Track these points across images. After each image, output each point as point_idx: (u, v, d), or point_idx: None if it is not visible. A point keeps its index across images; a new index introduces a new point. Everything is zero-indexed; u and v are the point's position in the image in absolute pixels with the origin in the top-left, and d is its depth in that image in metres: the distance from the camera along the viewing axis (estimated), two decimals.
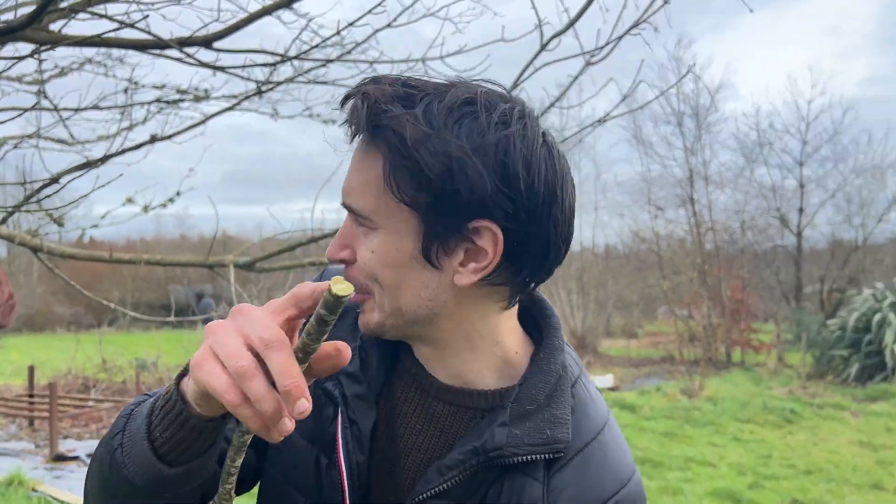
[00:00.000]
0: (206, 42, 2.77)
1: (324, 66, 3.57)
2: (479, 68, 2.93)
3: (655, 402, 10.52)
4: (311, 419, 0.80)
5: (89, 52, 4.74)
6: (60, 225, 3.70)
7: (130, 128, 3.97)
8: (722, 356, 17.14)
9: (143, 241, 25.58)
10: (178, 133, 3.54)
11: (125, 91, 4.40)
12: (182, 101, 4.25)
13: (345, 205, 0.75)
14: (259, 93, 3.70)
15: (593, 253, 21.22)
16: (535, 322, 0.83)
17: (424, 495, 0.74)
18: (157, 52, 3.02)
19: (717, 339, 16.56)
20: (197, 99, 4.15)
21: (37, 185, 2.71)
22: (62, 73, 5.40)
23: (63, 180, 2.62)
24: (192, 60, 2.67)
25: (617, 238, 22.89)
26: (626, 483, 0.74)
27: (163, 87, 4.58)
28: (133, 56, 5.48)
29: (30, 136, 4.01)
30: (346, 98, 0.73)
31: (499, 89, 0.73)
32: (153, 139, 3.42)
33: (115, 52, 5.17)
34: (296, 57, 2.74)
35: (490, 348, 0.77)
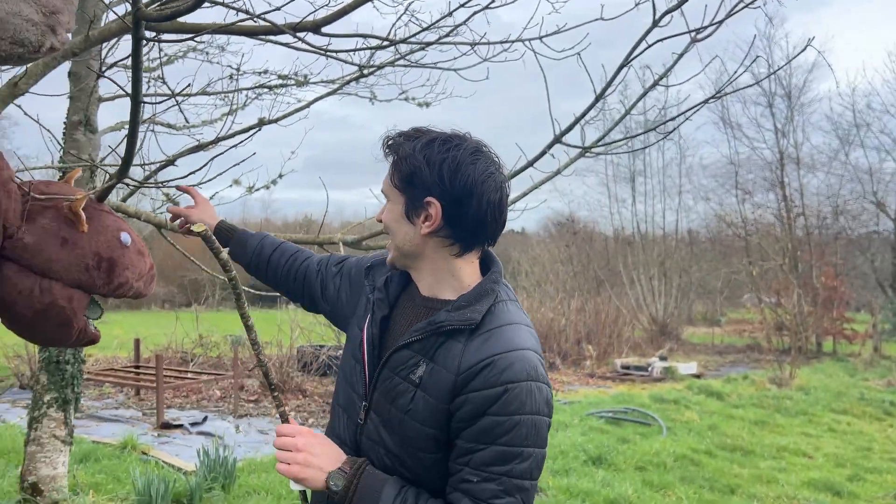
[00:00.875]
0: (316, 27, 2.85)
1: (423, 49, 3.63)
2: (577, 47, 2.92)
3: (743, 391, 10.24)
4: (365, 316, 1.39)
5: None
6: (176, 205, 3.91)
7: (233, 112, 4.14)
8: (812, 346, 16.46)
9: None
10: (284, 116, 3.67)
11: (230, 77, 4.60)
12: (284, 85, 4.40)
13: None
14: (361, 76, 3.79)
15: (676, 238, 20.67)
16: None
17: (400, 343, 1.27)
18: (266, 37, 3.14)
19: (807, 328, 15.88)
20: (299, 84, 4.28)
21: (153, 167, 2.89)
22: (169, 60, 5.68)
23: (178, 162, 2.78)
24: (303, 46, 2.75)
25: (701, 222, 22.23)
26: (510, 352, 1.18)
27: (264, 72, 4.76)
28: (234, 44, 5.70)
29: (145, 121, 4.24)
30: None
31: (468, 138, 1.29)
32: (261, 123, 3.56)
33: (219, 39, 5.39)
34: (403, 41, 2.79)
35: (448, 279, 1.30)
